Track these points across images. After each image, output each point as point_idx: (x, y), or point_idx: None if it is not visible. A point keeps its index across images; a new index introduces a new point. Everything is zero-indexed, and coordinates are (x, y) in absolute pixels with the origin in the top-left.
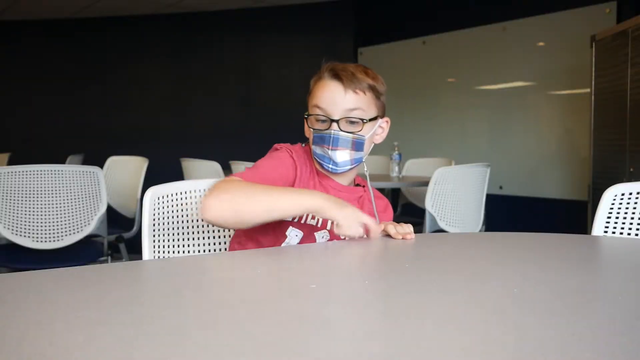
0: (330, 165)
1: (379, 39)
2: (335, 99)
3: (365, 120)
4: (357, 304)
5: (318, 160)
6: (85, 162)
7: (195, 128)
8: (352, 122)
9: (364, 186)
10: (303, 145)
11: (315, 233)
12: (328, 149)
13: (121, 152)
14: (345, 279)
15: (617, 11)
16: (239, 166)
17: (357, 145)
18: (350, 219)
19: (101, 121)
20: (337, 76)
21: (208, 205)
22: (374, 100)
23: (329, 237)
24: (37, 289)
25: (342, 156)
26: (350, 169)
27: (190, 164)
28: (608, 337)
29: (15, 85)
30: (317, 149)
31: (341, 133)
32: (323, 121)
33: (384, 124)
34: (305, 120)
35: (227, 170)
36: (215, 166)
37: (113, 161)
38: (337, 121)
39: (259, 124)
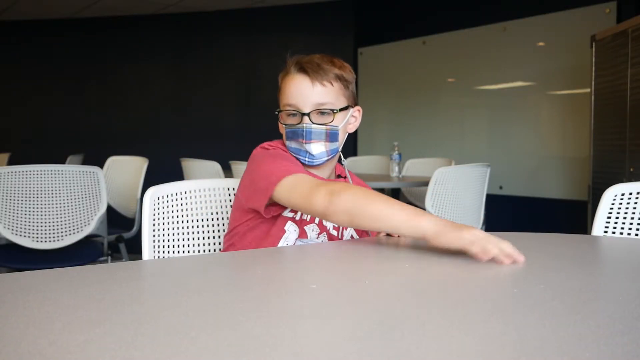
0: (307, 159)
1: (379, 39)
2: (303, 92)
3: (335, 111)
4: (357, 304)
5: (294, 155)
6: (85, 162)
7: (195, 128)
8: (322, 114)
9: (344, 177)
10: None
11: (305, 227)
12: (303, 142)
13: (121, 152)
14: (345, 279)
15: (617, 11)
16: (239, 166)
17: (332, 136)
18: (478, 239)
19: (101, 121)
20: (303, 69)
21: (325, 208)
22: (342, 90)
23: (319, 231)
24: (37, 289)
25: (318, 148)
26: (328, 160)
27: (190, 164)
28: (608, 337)
29: (15, 85)
30: (292, 144)
31: (313, 126)
32: (294, 115)
33: (356, 113)
34: (279, 117)
35: (227, 170)
36: (215, 166)
37: (113, 161)
38: (307, 114)
39: (259, 124)
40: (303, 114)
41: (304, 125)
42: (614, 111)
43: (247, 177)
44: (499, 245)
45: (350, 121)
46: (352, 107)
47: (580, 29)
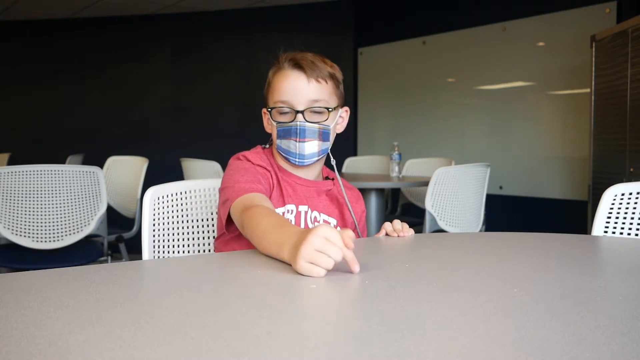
0: (297, 159)
1: (379, 39)
2: (298, 89)
3: (330, 109)
4: (357, 304)
5: (283, 154)
6: (85, 162)
7: (195, 128)
8: (316, 112)
9: (332, 179)
10: (265, 147)
11: None
12: (296, 141)
13: (121, 152)
14: (345, 279)
15: (617, 11)
16: None
17: (324, 136)
18: (308, 259)
19: (101, 121)
20: (298, 65)
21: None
22: (334, 90)
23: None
24: (37, 289)
25: (310, 147)
26: (317, 160)
27: (190, 164)
28: (608, 337)
29: (15, 85)
30: (282, 143)
31: (307, 124)
32: (286, 113)
33: (343, 114)
34: (263, 115)
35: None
36: (215, 166)
37: (113, 161)
38: (301, 112)
39: (259, 124)
40: (297, 112)
41: (297, 122)
42: (614, 111)
43: (220, 189)
44: (329, 252)
45: (338, 121)
46: (341, 108)
47: (580, 29)
